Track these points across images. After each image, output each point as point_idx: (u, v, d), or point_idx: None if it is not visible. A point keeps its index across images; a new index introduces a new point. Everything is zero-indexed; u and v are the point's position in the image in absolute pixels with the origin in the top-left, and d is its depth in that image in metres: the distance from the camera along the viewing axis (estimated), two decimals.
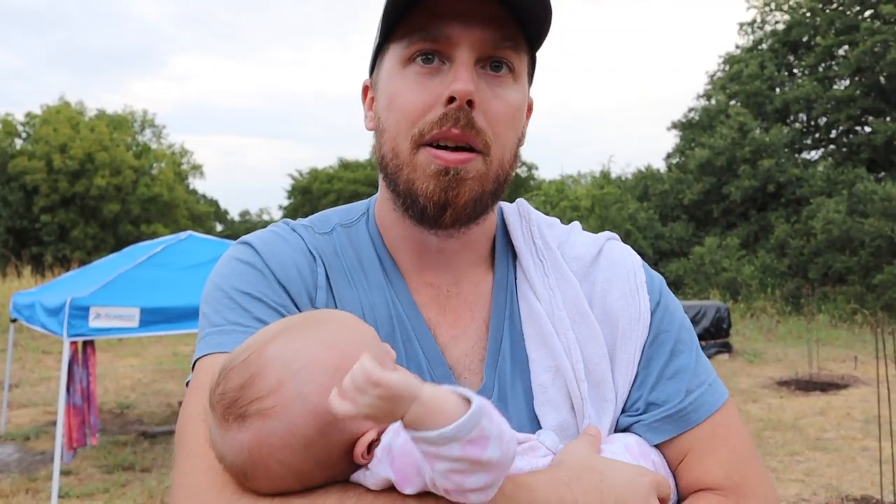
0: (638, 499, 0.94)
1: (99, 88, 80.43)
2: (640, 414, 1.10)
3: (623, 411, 1.11)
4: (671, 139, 47.35)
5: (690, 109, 27.23)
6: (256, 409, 0.86)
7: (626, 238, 22.63)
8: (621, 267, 1.18)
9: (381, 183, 1.15)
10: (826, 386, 10.05)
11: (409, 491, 0.85)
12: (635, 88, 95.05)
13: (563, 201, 27.16)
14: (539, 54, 1.16)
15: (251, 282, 1.08)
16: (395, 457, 0.86)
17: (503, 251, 1.21)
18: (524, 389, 1.10)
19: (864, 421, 8.09)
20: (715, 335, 12.96)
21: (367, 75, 1.21)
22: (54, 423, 6.48)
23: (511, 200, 1.28)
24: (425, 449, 0.77)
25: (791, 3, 24.97)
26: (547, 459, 1.00)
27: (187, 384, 1.07)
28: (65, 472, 6.62)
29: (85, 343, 6.88)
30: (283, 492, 0.88)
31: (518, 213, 1.24)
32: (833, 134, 24.32)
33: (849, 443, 7.43)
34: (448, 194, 1.04)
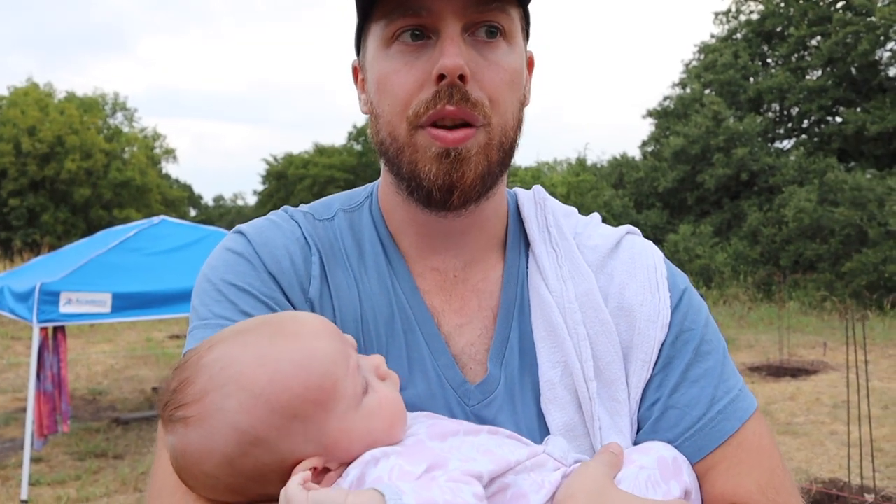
0: None
1: (67, 71, 78.93)
2: (658, 421, 1.03)
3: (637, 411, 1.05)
4: (646, 127, 47.71)
5: (665, 98, 27.36)
6: (181, 416, 0.84)
7: None
8: (642, 260, 1.10)
9: (383, 167, 1.09)
10: (796, 372, 10.19)
11: None
12: (611, 76, 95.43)
13: None
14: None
15: (240, 273, 1.03)
16: None
17: (516, 238, 1.14)
18: (532, 385, 1.05)
19: (832, 406, 8.23)
20: None
21: (352, 58, 1.14)
22: (24, 410, 6.39)
23: None
24: None
25: None
26: (557, 475, 0.91)
27: None
28: (35, 460, 6.53)
29: (55, 329, 6.78)
30: (224, 501, 0.86)
31: (533, 200, 1.16)
32: (805, 124, 24.57)
33: (818, 427, 7.57)
34: (453, 176, 0.98)
